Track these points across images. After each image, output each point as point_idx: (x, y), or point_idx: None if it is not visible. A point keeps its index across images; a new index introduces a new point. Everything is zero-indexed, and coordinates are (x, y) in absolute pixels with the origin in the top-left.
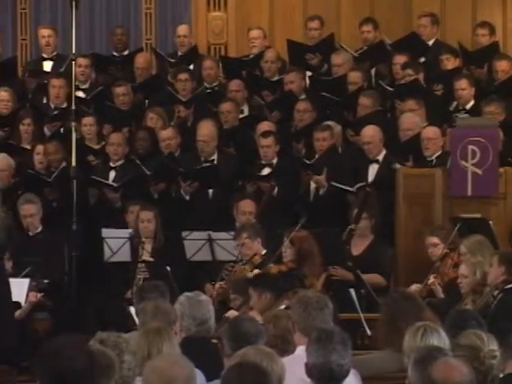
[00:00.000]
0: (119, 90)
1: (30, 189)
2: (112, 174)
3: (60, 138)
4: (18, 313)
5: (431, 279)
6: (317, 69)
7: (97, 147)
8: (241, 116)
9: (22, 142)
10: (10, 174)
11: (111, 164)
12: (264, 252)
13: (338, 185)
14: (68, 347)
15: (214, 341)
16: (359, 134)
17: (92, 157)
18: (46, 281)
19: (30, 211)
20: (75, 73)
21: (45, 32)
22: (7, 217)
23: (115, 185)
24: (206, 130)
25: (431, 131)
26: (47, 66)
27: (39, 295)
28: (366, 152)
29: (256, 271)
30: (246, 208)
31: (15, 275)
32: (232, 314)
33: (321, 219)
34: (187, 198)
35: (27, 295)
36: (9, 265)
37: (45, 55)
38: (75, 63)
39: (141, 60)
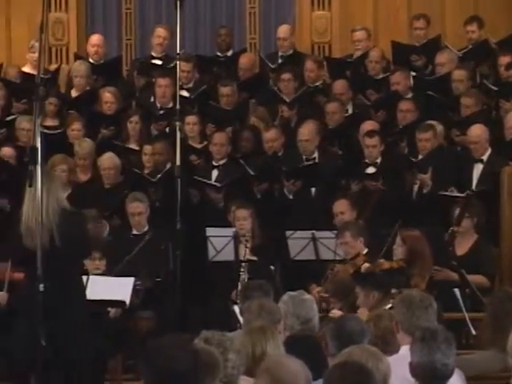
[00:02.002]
0: (225, 90)
1: (135, 188)
2: (215, 173)
3: (166, 137)
4: (113, 312)
5: None
6: (421, 70)
7: (199, 146)
8: (345, 115)
9: (128, 140)
10: (115, 172)
11: (214, 163)
12: (366, 251)
13: (446, 193)
14: (173, 347)
15: (318, 340)
16: (465, 134)
17: (194, 156)
18: (151, 280)
19: (138, 209)
20: (179, 73)
21: (161, 32)
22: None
23: (218, 185)
24: (307, 129)
25: None
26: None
27: None
28: (472, 151)
29: (366, 265)
30: (338, 208)
31: (119, 274)
32: (336, 313)
33: (423, 218)
34: (290, 196)
35: (132, 294)
36: (101, 264)
37: (154, 54)
38: (179, 64)
39: (245, 60)
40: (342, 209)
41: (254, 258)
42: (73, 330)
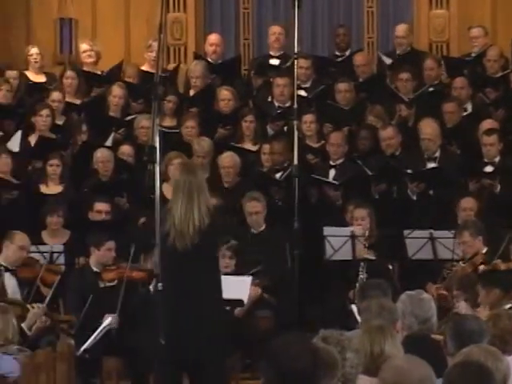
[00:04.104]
0: (342, 86)
1: (257, 187)
2: (332, 173)
3: (284, 136)
4: (238, 310)
5: None
6: None
7: (316, 146)
8: (464, 113)
9: (243, 139)
10: (235, 171)
11: (331, 162)
12: (485, 250)
13: None
14: (293, 345)
15: (438, 337)
16: None
17: (311, 155)
18: (269, 279)
19: (256, 209)
20: (297, 72)
21: (276, 29)
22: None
23: (336, 183)
24: (430, 128)
25: None
26: (273, 64)
27: (260, 290)
28: None
29: (483, 267)
30: (467, 204)
31: (240, 273)
32: (461, 305)
33: None
34: (414, 197)
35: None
36: (231, 263)
37: (272, 53)
38: (297, 63)
39: (360, 58)
40: (470, 205)
41: (372, 258)
42: (213, 330)
